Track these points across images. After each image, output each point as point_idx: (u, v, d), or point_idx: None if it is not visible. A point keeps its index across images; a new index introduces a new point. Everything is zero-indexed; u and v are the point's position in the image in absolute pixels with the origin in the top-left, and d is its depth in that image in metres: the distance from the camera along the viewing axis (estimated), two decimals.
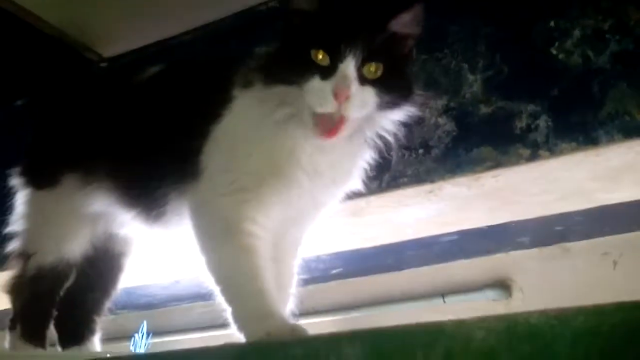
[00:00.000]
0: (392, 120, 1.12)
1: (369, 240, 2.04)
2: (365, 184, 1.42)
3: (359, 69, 1.01)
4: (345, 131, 1.02)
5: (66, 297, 1.43)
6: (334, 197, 1.18)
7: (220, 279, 1.05)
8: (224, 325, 1.05)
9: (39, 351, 1.33)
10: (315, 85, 1.00)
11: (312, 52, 1.01)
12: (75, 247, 1.38)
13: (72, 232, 1.38)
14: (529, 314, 0.73)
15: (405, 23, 1.08)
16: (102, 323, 1.50)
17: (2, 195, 1.50)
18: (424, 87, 1.53)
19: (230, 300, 1.03)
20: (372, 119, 1.08)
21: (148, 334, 2.67)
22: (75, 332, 1.45)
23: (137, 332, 2.64)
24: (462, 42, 1.59)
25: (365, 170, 1.19)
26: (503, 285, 2.58)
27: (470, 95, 1.55)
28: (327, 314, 2.67)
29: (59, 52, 2.09)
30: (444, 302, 2.63)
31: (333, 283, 2.79)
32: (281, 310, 1.04)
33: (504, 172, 1.48)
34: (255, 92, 1.09)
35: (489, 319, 0.74)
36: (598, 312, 0.70)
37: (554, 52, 1.48)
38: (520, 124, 1.47)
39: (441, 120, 1.56)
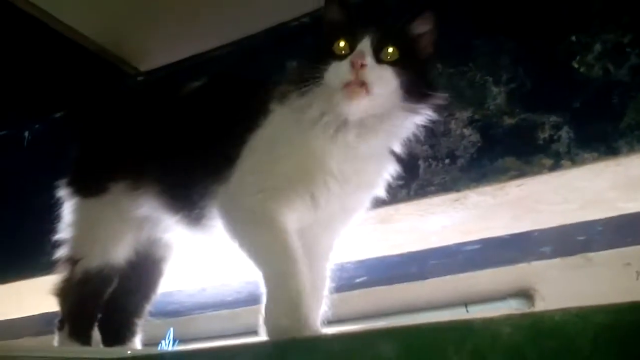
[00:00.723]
0: (414, 123, 1.17)
1: (396, 247, 2.06)
2: (394, 192, 1.46)
3: (376, 51, 1.09)
4: (371, 99, 1.07)
5: (109, 300, 1.47)
6: (360, 203, 1.22)
7: (260, 263, 1.09)
8: (248, 332, 1.09)
9: (86, 347, 1.38)
10: (335, 65, 1.08)
11: (335, 44, 1.11)
12: (120, 252, 1.43)
13: (117, 238, 1.43)
14: (552, 311, 0.76)
15: (419, 27, 1.17)
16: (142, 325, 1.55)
17: (50, 205, 1.56)
18: (450, 99, 1.59)
19: (267, 282, 1.05)
20: (395, 119, 1.14)
21: (175, 341, 2.72)
22: (117, 333, 1.49)
23: (164, 339, 2.70)
24: (486, 56, 1.62)
25: (391, 179, 1.23)
26: (526, 295, 2.58)
27: (494, 107, 1.58)
28: (351, 323, 2.68)
29: (98, 66, 2.16)
30: (467, 311, 2.64)
31: (357, 292, 2.81)
32: (308, 303, 1.05)
33: (528, 182, 1.50)
34: (290, 104, 1.15)
35: (514, 317, 0.78)
36: (616, 310, 0.73)
37: (576, 65, 1.51)
38: (543, 134, 1.50)
39: (467, 132, 1.59)
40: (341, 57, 1.09)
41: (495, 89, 1.59)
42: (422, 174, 1.60)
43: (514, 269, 2.63)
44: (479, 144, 1.57)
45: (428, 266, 2.57)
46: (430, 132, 1.51)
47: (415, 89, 1.12)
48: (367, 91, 1.06)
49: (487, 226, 1.85)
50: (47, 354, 1.16)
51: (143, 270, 1.52)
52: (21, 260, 2.27)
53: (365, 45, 1.08)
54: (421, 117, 1.17)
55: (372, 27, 1.12)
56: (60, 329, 1.41)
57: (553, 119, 1.50)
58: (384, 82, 1.08)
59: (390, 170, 1.22)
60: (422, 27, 1.18)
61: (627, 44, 1.46)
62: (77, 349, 1.35)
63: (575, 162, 1.45)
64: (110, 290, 1.47)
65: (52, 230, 1.55)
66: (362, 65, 1.04)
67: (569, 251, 2.48)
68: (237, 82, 1.40)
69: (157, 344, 2.65)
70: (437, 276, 2.72)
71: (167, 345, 2.65)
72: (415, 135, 1.21)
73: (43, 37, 2.00)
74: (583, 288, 2.44)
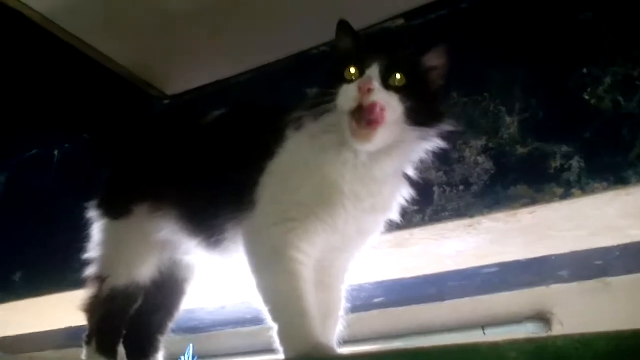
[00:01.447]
0: (424, 148, 1.22)
1: (411, 270, 2.07)
2: (409, 217, 1.50)
3: (384, 77, 1.14)
4: (379, 133, 1.11)
5: (134, 317, 1.53)
6: (375, 225, 1.26)
7: (267, 300, 1.15)
8: (267, 350, 1.13)
9: None
10: (344, 88, 1.13)
11: (346, 70, 1.16)
12: (145, 271, 1.48)
13: (143, 258, 1.49)
14: (555, 337, 0.80)
15: (431, 60, 1.22)
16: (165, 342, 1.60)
17: (77, 222, 1.62)
18: (465, 128, 1.61)
19: (274, 319, 1.13)
20: (404, 144, 1.18)
21: (194, 358, 2.75)
22: (141, 349, 1.55)
23: (184, 355, 2.73)
24: (500, 87, 1.65)
25: (405, 203, 1.27)
26: (543, 319, 2.57)
27: (507, 136, 1.60)
28: (368, 343, 2.68)
29: (126, 89, 2.21)
30: (484, 334, 2.64)
31: (375, 312, 2.83)
32: (319, 330, 1.11)
33: (539, 209, 1.52)
34: (306, 130, 1.21)
35: (520, 342, 0.81)
36: (617, 337, 0.77)
37: (587, 97, 1.52)
38: (555, 164, 1.51)
39: (480, 159, 1.61)
40: (351, 82, 1.14)
41: (508, 119, 1.61)
42: (436, 199, 1.62)
43: (532, 292, 2.62)
44: (492, 172, 1.59)
45: (446, 288, 2.58)
46: (445, 159, 1.56)
47: (421, 116, 1.15)
48: (375, 109, 1.09)
49: (500, 251, 1.85)
50: None
51: (167, 289, 1.57)
52: (48, 275, 2.32)
53: (373, 71, 1.14)
54: (430, 143, 1.22)
55: (382, 54, 1.16)
56: (88, 343, 1.47)
57: (564, 149, 1.51)
58: (390, 106, 1.12)
59: (404, 193, 1.27)
60: (434, 60, 1.22)
61: (636, 77, 1.48)
62: None
63: (585, 191, 1.46)
64: (135, 307, 1.52)
65: (79, 247, 1.60)
66: (369, 90, 1.09)
67: (586, 275, 2.48)
68: (256, 111, 1.45)
69: None
70: (455, 298, 2.73)
71: None
72: (429, 161, 1.26)
73: (74, 61, 2.05)
74: (601, 312, 2.43)
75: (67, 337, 2.98)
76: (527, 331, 2.55)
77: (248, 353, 3.10)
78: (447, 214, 1.62)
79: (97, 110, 2.25)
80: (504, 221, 1.60)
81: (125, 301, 1.48)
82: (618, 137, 1.46)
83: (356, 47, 1.26)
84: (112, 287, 1.46)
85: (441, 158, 1.49)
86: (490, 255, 1.90)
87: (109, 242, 1.53)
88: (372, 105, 1.09)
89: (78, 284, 2.07)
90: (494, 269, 2.21)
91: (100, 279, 1.49)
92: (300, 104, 1.27)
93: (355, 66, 1.16)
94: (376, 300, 2.69)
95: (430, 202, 1.63)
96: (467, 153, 1.63)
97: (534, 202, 1.51)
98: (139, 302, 1.52)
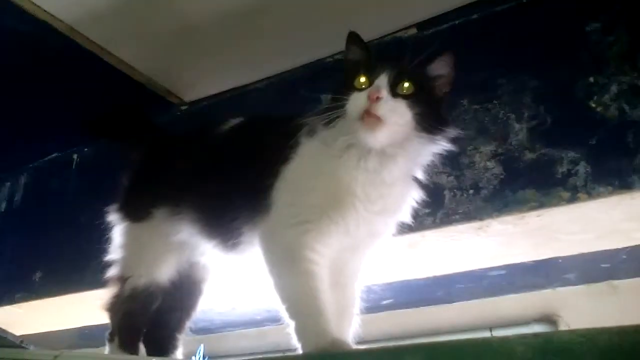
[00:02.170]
0: (431, 152, 1.26)
1: (421, 271, 2.10)
2: (421, 219, 1.53)
3: (392, 85, 1.18)
4: (384, 130, 1.15)
5: (154, 316, 1.56)
6: (386, 227, 1.30)
7: (285, 298, 1.19)
8: (276, 350, 1.16)
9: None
10: (354, 96, 1.18)
11: (356, 79, 1.21)
12: (164, 272, 1.53)
13: (162, 259, 1.53)
14: (561, 332, 0.85)
15: (438, 67, 1.25)
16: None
17: (95, 224, 1.67)
18: (475, 134, 1.66)
19: (291, 317, 1.17)
20: (412, 148, 1.22)
21: (205, 358, 2.77)
22: (160, 346, 1.59)
23: (195, 355, 2.76)
24: (510, 95, 1.69)
25: (415, 205, 1.30)
26: (550, 321, 2.55)
27: (516, 142, 1.64)
28: (377, 344, 2.69)
29: (144, 95, 2.27)
30: (492, 335, 2.65)
31: (383, 314, 2.84)
32: (335, 327, 1.15)
33: (547, 212, 1.55)
34: (317, 137, 1.26)
35: (528, 337, 0.86)
36: (620, 332, 0.81)
37: (593, 105, 1.56)
38: (562, 169, 1.55)
39: (490, 164, 1.65)
40: (361, 90, 1.18)
41: (517, 125, 1.65)
42: (447, 203, 1.66)
43: (539, 294, 2.61)
44: (502, 176, 1.63)
45: (454, 290, 2.57)
46: (456, 164, 1.60)
47: (429, 121, 1.19)
48: (382, 122, 1.14)
49: (509, 253, 1.88)
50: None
51: (185, 289, 1.61)
52: (66, 275, 2.38)
53: (382, 80, 1.18)
54: (437, 146, 1.25)
55: (391, 63, 1.20)
56: (111, 340, 1.51)
57: (571, 154, 1.55)
58: (398, 113, 1.16)
59: (414, 195, 1.30)
60: (441, 68, 1.25)
61: None
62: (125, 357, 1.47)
63: (591, 195, 1.49)
64: (155, 307, 1.55)
65: (96, 248, 1.65)
66: (378, 98, 1.14)
67: (594, 278, 2.46)
68: (270, 120, 1.50)
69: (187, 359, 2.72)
70: (463, 300, 2.73)
71: None
72: (438, 165, 1.29)
73: (96, 68, 2.12)
74: (608, 315, 2.41)
75: (81, 337, 3.02)
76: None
77: (257, 354, 3.10)
78: (457, 216, 1.65)
79: (116, 116, 2.32)
80: (512, 224, 1.63)
81: (146, 300, 1.51)
82: (623, 144, 1.50)
83: (366, 57, 1.29)
84: (133, 286, 1.50)
85: (452, 163, 1.54)
86: (499, 256, 1.92)
87: (130, 244, 1.57)
88: (380, 118, 1.15)
89: (95, 283, 2.13)
90: (501, 272, 2.22)
91: (122, 279, 1.53)
92: (313, 111, 1.30)
93: (365, 75, 1.21)
94: (385, 302, 2.69)
95: (441, 206, 1.67)
96: (477, 158, 1.67)
97: (541, 205, 1.55)
98: (159, 301, 1.55)
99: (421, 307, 2.81)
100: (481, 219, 1.63)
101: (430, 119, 1.20)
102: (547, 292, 2.61)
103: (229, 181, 1.39)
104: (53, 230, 2.55)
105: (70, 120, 2.27)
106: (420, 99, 1.19)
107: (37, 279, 2.47)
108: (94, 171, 2.56)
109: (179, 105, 2.34)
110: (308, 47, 2.01)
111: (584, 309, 2.51)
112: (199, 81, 2.23)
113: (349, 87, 1.21)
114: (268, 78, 2.16)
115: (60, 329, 2.88)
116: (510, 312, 2.65)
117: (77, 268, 2.33)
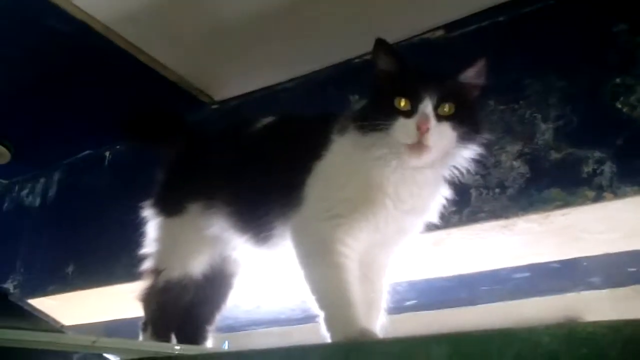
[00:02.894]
0: (464, 157, 1.27)
1: (446, 269, 2.11)
2: (447, 217, 1.55)
3: (435, 109, 1.18)
4: (431, 155, 1.18)
5: (186, 308, 1.60)
6: (414, 226, 1.32)
7: (315, 290, 1.21)
8: None
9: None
10: (402, 122, 1.18)
11: (396, 100, 1.19)
12: (197, 265, 1.56)
13: (195, 253, 1.57)
14: (586, 323, 0.86)
15: (471, 75, 1.26)
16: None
17: (126, 220, 1.72)
18: (502, 134, 1.68)
19: (321, 307, 1.19)
20: (448, 154, 1.24)
21: None
22: (191, 337, 1.62)
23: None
24: (536, 95, 1.70)
25: (444, 204, 1.32)
26: None
27: (542, 142, 1.65)
28: None
29: (176, 94, 2.31)
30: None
31: (407, 315, 2.86)
32: (363, 318, 1.16)
33: (572, 211, 1.56)
34: (350, 137, 1.27)
35: (553, 327, 0.87)
36: None
37: (619, 105, 1.57)
38: (587, 168, 1.56)
39: (516, 164, 1.67)
40: (405, 114, 1.18)
41: (543, 125, 1.66)
42: (473, 201, 1.67)
43: (563, 298, 2.60)
44: (527, 176, 1.64)
45: (478, 292, 2.57)
46: (482, 163, 1.62)
47: (470, 134, 1.22)
48: (429, 149, 1.16)
49: (534, 252, 1.89)
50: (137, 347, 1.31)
51: (216, 283, 1.65)
52: (98, 268, 2.45)
53: (427, 106, 1.16)
54: (470, 151, 1.27)
55: (432, 85, 1.19)
56: (144, 330, 1.55)
57: (597, 154, 1.56)
58: (445, 137, 1.18)
59: (443, 197, 1.32)
60: (474, 75, 1.26)
61: None
62: (161, 345, 1.49)
63: (617, 194, 1.50)
64: (187, 299, 1.59)
65: (127, 242, 1.69)
66: (428, 129, 1.14)
67: (619, 282, 2.44)
68: (302, 118, 1.52)
69: None
70: (487, 302, 2.74)
71: None
72: (466, 167, 1.30)
73: (130, 67, 2.17)
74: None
75: (106, 332, 3.07)
76: None
77: None
78: (483, 215, 1.67)
79: (148, 115, 2.36)
80: (537, 222, 1.64)
81: (179, 292, 1.55)
82: None
83: (402, 72, 1.27)
84: (167, 279, 1.54)
85: (478, 162, 1.55)
86: (524, 255, 1.93)
87: (165, 238, 1.60)
88: (427, 148, 1.16)
89: (125, 277, 2.18)
90: (525, 274, 2.22)
91: (156, 271, 1.57)
92: (346, 113, 1.33)
93: (406, 99, 1.19)
94: (408, 303, 2.70)
95: (468, 204, 1.68)
96: (503, 158, 1.68)
97: (566, 204, 1.56)
98: (191, 294, 1.58)
99: (444, 309, 2.81)
100: (507, 218, 1.64)
101: (471, 131, 1.22)
102: (570, 296, 2.59)
103: (262, 177, 1.42)
104: (85, 226, 2.61)
105: (104, 119, 2.34)
106: (461, 116, 1.20)
107: (69, 272, 2.53)
108: (125, 168, 2.62)
109: (210, 104, 2.38)
110: (336, 48, 2.04)
111: (607, 314, 2.49)
112: (230, 80, 2.27)
113: (390, 106, 1.20)
114: (297, 78, 2.19)
115: (90, 322, 2.93)
116: (534, 316, 2.63)
117: (108, 262, 2.39)
